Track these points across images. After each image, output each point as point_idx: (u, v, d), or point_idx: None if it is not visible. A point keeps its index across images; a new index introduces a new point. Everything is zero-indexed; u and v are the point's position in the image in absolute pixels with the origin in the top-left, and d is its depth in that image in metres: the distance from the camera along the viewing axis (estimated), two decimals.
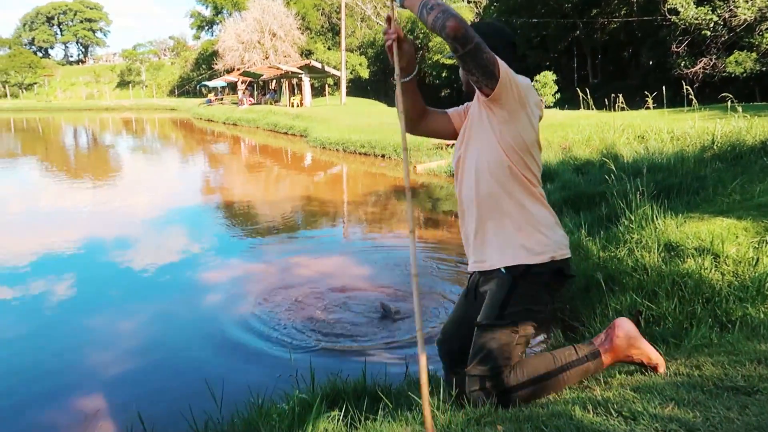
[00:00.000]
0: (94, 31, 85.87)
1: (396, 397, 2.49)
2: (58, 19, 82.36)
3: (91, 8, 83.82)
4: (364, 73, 44.01)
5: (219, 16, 60.83)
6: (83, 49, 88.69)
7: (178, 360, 3.89)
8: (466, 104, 2.12)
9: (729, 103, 8.58)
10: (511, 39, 2.05)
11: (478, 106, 1.91)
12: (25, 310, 4.87)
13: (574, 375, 1.85)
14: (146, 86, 66.01)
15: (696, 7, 20.48)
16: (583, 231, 5.11)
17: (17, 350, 4.09)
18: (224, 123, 31.97)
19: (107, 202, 10.06)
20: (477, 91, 1.87)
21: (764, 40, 19.09)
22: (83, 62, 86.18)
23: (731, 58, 19.96)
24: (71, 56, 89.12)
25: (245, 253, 6.62)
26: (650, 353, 1.87)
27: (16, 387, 3.54)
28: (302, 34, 50.09)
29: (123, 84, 66.98)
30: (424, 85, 43.79)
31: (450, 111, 2.18)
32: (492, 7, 34.23)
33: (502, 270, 1.89)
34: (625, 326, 1.89)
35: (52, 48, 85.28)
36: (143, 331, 4.38)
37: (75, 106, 57.12)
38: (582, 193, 6.81)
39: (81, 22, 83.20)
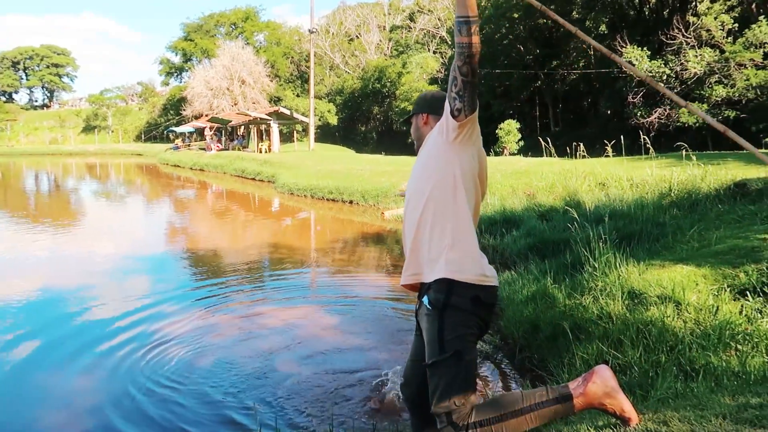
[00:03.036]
0: (60, 76, 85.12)
1: None
2: (23, 63, 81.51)
3: (58, 53, 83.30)
4: (333, 120, 44.55)
5: (188, 63, 61.20)
6: (48, 94, 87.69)
7: (137, 418, 3.69)
8: None
9: (684, 151, 8.92)
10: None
11: (435, 141, 2.09)
12: None
13: (542, 415, 1.89)
14: (112, 131, 65.38)
15: (650, 61, 21.53)
16: (549, 278, 5.15)
17: None
18: (191, 168, 31.72)
19: (66, 249, 9.74)
20: (442, 124, 2.04)
21: (713, 92, 20.08)
22: (48, 107, 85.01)
23: (683, 109, 20.89)
24: (36, 101, 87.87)
25: (210, 304, 6.42)
26: (624, 405, 1.86)
27: None
28: (271, 81, 50.69)
29: (88, 129, 66.21)
30: (392, 131, 44.50)
31: None
32: None
33: (427, 305, 2.00)
34: (604, 374, 1.90)
35: (16, 92, 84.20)
36: (94, 389, 4.15)
37: (38, 150, 56.07)
38: (547, 240, 6.91)
39: (47, 66, 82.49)
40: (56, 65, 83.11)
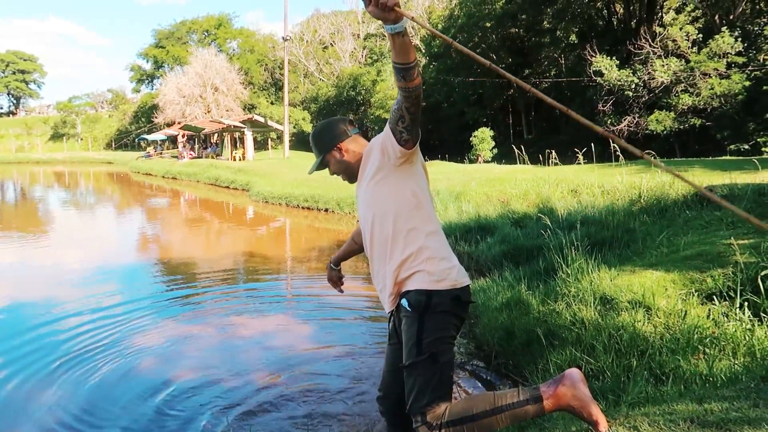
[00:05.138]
0: (27, 83, 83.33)
1: None
2: None
3: (24, 59, 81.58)
4: (308, 128, 44.40)
5: (160, 70, 60.49)
6: (14, 101, 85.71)
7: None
8: None
9: (653, 158, 9.12)
10: (344, 121, 2.32)
11: (381, 165, 2.10)
12: None
13: (514, 415, 1.94)
14: (81, 139, 64.14)
15: (618, 70, 21.98)
16: (523, 285, 5.21)
17: None
18: (163, 177, 31.29)
19: (33, 260, 9.51)
20: (389, 150, 2.05)
21: (680, 101, 20.60)
22: (14, 114, 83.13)
23: (652, 117, 21.38)
24: (1, 108, 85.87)
25: (185, 315, 6.34)
26: (592, 409, 1.90)
27: None
28: (245, 88, 50.37)
29: (57, 137, 64.84)
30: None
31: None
32: (431, 67, 35.61)
33: (407, 308, 2.04)
34: (574, 377, 1.95)
35: None
36: (77, 402, 4.05)
37: (3, 159, 54.70)
38: (521, 246, 6.99)
39: (13, 73, 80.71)
40: (22, 71, 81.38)
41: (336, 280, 2.65)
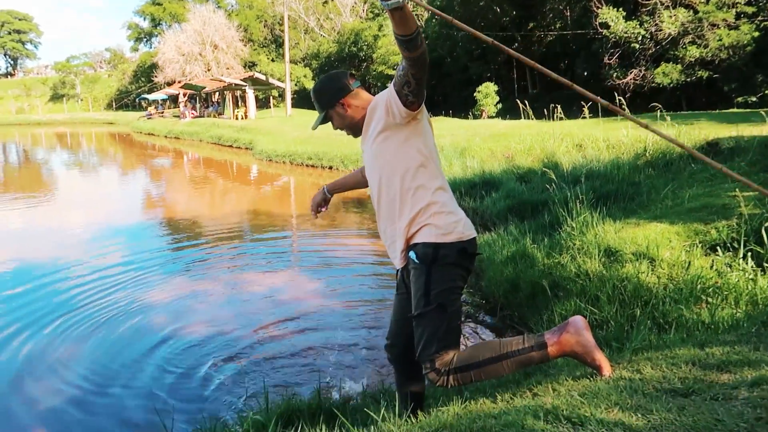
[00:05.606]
0: (23, 43, 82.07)
1: (352, 413, 2.48)
2: None
3: (20, 19, 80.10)
4: (309, 85, 43.84)
5: (158, 27, 59.41)
6: (12, 62, 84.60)
7: (122, 389, 3.71)
8: None
9: (658, 112, 9.05)
10: (345, 75, 2.29)
11: (386, 124, 2.10)
12: None
13: (519, 361, 2.00)
14: (81, 100, 63.56)
15: (625, 22, 21.49)
16: (528, 239, 5.26)
17: None
18: (166, 137, 31.17)
19: (38, 221, 9.61)
20: (394, 111, 2.05)
21: (687, 53, 20.20)
22: (12, 75, 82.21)
23: (659, 69, 21.01)
24: None
25: (190, 272, 6.44)
26: (595, 354, 1.96)
27: None
28: (245, 46, 49.52)
29: (56, 98, 64.25)
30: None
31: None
32: (433, 21, 34.87)
33: (415, 260, 2.09)
34: (577, 323, 2.00)
35: None
36: (84, 359, 4.17)
37: (4, 120, 54.39)
38: (526, 201, 7.02)
39: (9, 33, 79.40)
40: (18, 31, 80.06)
41: (319, 203, 2.61)
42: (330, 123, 2.34)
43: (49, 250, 7.45)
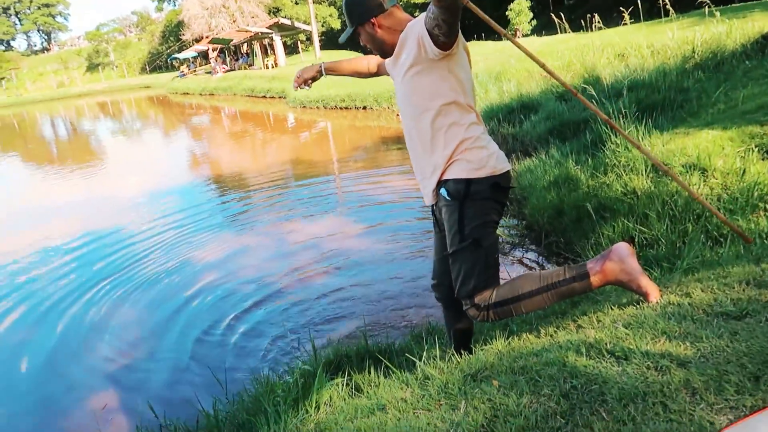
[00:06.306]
0: (53, 16, 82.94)
1: (398, 355, 2.50)
2: (14, 8, 79.38)
3: None
4: (336, 24, 42.88)
5: None
6: (46, 37, 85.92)
7: (179, 346, 3.87)
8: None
9: (706, 8, 8.39)
10: None
11: (418, 56, 1.98)
12: (26, 306, 4.84)
13: (560, 293, 1.96)
14: (116, 66, 64.39)
15: None
16: (570, 160, 5.08)
17: (22, 342, 4.10)
18: (201, 94, 31.37)
19: (93, 190, 9.94)
20: (426, 47, 1.93)
21: None
22: (48, 50, 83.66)
23: None
24: (35, 45, 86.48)
25: (236, 224, 6.58)
26: (641, 280, 1.88)
27: (27, 384, 3.58)
28: None
29: (92, 67, 65.32)
30: None
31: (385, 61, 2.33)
32: None
33: (446, 197, 2.03)
34: (621, 250, 1.91)
35: (13, 39, 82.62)
36: (143, 319, 4.36)
37: (47, 96, 55.82)
38: (567, 121, 6.74)
39: (39, 8, 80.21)
40: (47, 5, 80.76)
41: (308, 78, 2.52)
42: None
43: (104, 216, 7.71)
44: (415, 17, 2.07)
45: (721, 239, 3.05)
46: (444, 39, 1.87)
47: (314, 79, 2.53)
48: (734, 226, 2.34)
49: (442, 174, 2.05)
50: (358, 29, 2.13)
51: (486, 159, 2.02)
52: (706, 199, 3.50)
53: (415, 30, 1.97)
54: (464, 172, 2.01)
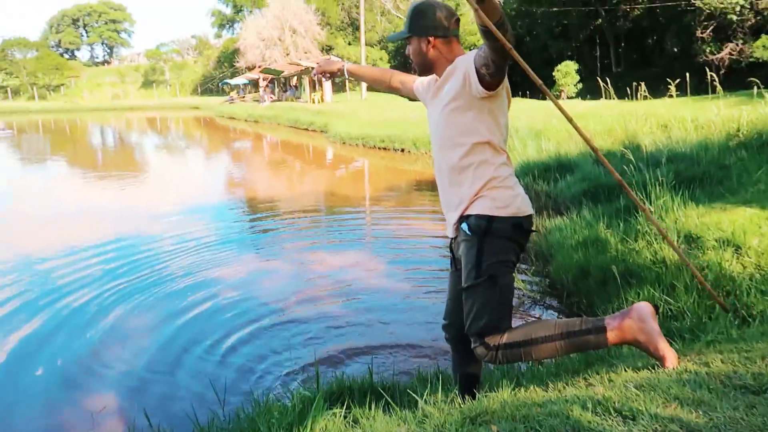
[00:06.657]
0: (118, 32, 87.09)
1: (401, 394, 2.45)
2: (83, 20, 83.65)
3: (115, 9, 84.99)
4: (385, 67, 43.82)
5: (239, 14, 61.29)
6: (108, 50, 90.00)
7: (183, 359, 3.86)
8: (433, 76, 2.23)
9: (756, 89, 8.33)
10: (453, 16, 2.13)
11: (461, 92, 2.00)
12: (39, 304, 4.90)
13: (573, 344, 1.89)
14: (170, 85, 66.78)
15: None
16: (602, 223, 5.01)
17: (31, 343, 4.15)
18: (246, 120, 32.20)
19: (136, 199, 10.21)
20: (472, 84, 1.96)
21: None
22: (108, 63, 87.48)
23: (758, 42, 19.35)
24: (97, 57, 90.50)
25: (262, 249, 6.64)
26: (659, 343, 1.82)
27: (27, 383, 3.60)
28: (322, 29, 50.13)
29: (147, 84, 67.89)
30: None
31: (416, 81, 2.38)
32: None
33: (467, 231, 2.02)
34: (642, 310, 1.87)
35: (78, 50, 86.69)
36: (151, 329, 4.36)
37: (101, 106, 58.04)
38: (602, 185, 6.68)
39: (105, 23, 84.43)
40: (113, 21, 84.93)
41: (329, 72, 2.53)
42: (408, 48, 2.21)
43: (133, 224, 7.88)
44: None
45: (750, 319, 2.95)
46: (490, 79, 1.91)
47: (334, 75, 2.53)
48: (714, 294, 2.24)
49: (466, 208, 2.05)
50: (413, 39, 2.14)
51: (512, 199, 2.02)
52: (737, 277, 3.40)
53: (464, 65, 2.00)
54: (488, 208, 2.00)
